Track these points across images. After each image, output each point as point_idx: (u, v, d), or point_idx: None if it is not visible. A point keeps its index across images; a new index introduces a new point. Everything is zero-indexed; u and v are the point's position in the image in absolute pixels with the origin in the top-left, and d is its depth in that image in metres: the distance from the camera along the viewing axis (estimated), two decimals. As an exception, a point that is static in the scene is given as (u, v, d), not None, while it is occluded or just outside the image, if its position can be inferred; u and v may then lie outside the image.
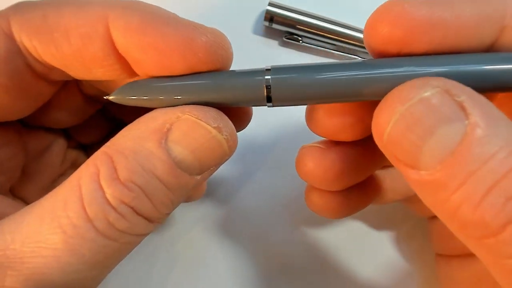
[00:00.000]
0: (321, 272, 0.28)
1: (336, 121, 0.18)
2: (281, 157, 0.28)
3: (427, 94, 0.13)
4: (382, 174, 0.23)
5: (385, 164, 0.22)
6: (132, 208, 0.14)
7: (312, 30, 0.28)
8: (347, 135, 0.18)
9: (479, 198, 0.12)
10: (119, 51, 0.16)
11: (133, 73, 0.17)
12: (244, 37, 0.29)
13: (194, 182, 0.16)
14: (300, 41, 0.28)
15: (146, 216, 0.15)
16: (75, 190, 0.14)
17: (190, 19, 0.16)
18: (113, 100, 0.16)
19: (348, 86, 0.15)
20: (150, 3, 0.16)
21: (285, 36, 0.28)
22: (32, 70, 0.17)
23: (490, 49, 0.15)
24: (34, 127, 0.21)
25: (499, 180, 0.12)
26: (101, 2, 0.16)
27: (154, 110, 0.16)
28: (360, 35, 0.28)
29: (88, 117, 0.23)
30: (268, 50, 0.29)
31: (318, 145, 0.19)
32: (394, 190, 0.24)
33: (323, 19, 0.28)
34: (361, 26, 0.28)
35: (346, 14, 0.29)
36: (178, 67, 0.15)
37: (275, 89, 0.15)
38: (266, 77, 0.15)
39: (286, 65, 0.16)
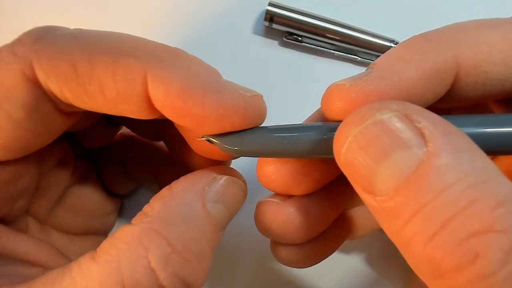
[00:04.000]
0: None
1: (286, 178, 0.17)
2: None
3: (383, 116, 0.12)
4: (350, 213, 0.22)
5: (347, 207, 0.22)
6: (188, 285, 0.15)
7: (312, 30, 0.28)
8: (299, 190, 0.18)
9: (430, 234, 0.11)
10: (155, 106, 0.15)
11: (160, 115, 0.16)
12: (244, 37, 0.29)
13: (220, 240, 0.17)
14: (300, 41, 0.28)
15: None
16: (116, 272, 0.13)
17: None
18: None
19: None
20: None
21: (285, 36, 0.28)
22: (59, 111, 0.17)
23: (450, 94, 0.15)
24: None
25: (454, 216, 0.11)
26: (137, 55, 0.15)
27: (191, 174, 0.17)
28: (360, 35, 0.28)
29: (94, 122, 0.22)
30: (268, 50, 0.29)
31: (273, 199, 0.18)
32: (364, 226, 0.23)
33: (323, 19, 0.28)
34: (361, 27, 0.28)
35: (346, 14, 0.29)
36: (212, 131, 0.16)
37: None
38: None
39: None
